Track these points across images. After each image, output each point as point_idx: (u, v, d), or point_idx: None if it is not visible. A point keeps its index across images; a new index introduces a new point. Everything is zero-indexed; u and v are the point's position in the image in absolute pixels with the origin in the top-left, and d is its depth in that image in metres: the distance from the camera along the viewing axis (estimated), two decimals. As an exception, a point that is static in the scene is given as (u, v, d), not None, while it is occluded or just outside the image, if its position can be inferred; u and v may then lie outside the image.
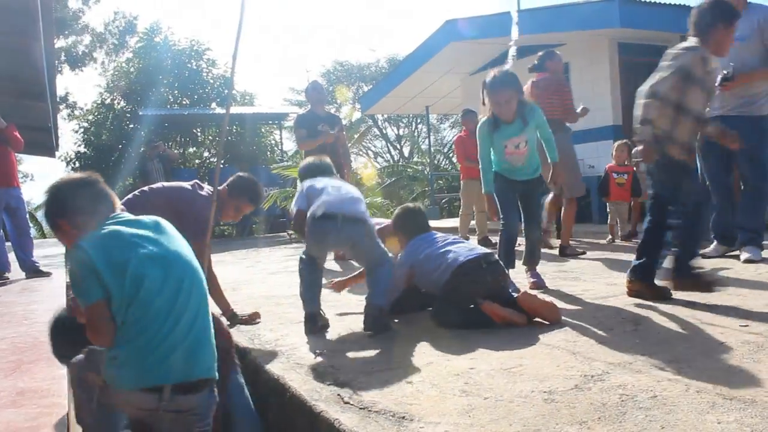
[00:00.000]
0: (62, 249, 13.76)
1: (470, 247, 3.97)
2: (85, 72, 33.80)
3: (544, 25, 10.30)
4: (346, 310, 4.46)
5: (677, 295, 4.04)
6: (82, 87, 79.65)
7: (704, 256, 5.52)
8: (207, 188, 4.36)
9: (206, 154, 19.28)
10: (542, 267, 5.72)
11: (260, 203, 4.26)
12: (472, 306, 3.70)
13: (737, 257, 5.38)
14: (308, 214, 3.91)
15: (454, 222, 13.13)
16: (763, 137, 5.37)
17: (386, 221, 4.64)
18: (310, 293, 3.95)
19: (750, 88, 5.26)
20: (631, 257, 5.67)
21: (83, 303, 2.21)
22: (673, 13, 9.26)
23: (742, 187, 5.52)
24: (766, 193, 5.49)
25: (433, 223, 9.34)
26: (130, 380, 2.19)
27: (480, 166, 4.69)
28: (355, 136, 14.34)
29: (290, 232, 13.00)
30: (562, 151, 5.21)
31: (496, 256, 4.12)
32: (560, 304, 4.06)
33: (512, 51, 8.65)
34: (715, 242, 5.69)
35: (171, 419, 2.27)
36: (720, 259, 5.51)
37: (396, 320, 4.02)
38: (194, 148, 19.62)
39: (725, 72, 5.16)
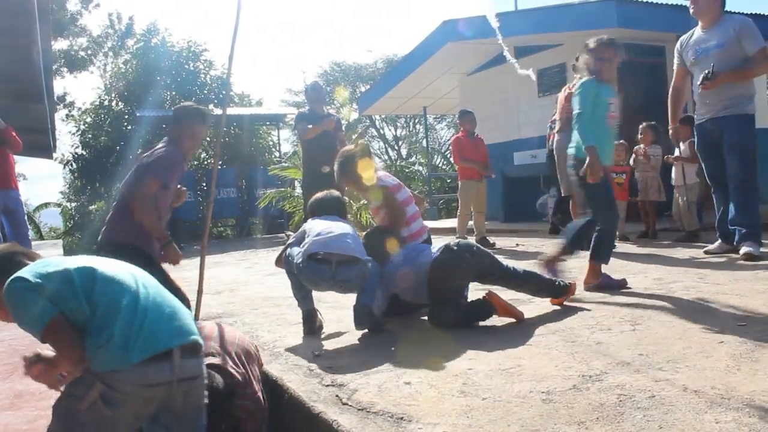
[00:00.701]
0: (60, 250, 13.74)
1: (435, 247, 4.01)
2: (83, 75, 33.83)
3: (541, 26, 10.29)
4: (344, 310, 4.45)
5: (673, 294, 4.05)
6: (81, 89, 79.52)
7: (708, 253, 5.69)
8: None
9: (203, 155, 19.25)
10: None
11: (208, 119, 4.19)
12: (465, 299, 3.75)
13: (738, 253, 5.40)
14: (299, 253, 3.79)
15: (452, 222, 13.14)
16: (750, 134, 5.51)
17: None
18: (302, 292, 3.92)
19: (733, 90, 5.33)
20: (630, 257, 5.70)
21: (39, 329, 2.16)
22: (671, 14, 9.25)
23: (731, 185, 5.53)
24: (755, 187, 5.56)
25: (431, 224, 9.37)
26: (138, 350, 2.14)
27: (582, 123, 4.48)
28: (353, 137, 14.38)
29: (288, 232, 13.01)
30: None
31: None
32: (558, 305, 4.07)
33: (507, 54, 8.66)
34: (719, 241, 5.75)
35: (184, 392, 2.26)
36: (721, 255, 5.54)
37: (386, 327, 4.01)
38: (192, 150, 19.62)
39: (706, 72, 5.26)
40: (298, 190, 12.03)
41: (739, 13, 5.64)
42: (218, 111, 16.32)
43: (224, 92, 16.63)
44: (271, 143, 20.07)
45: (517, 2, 11.74)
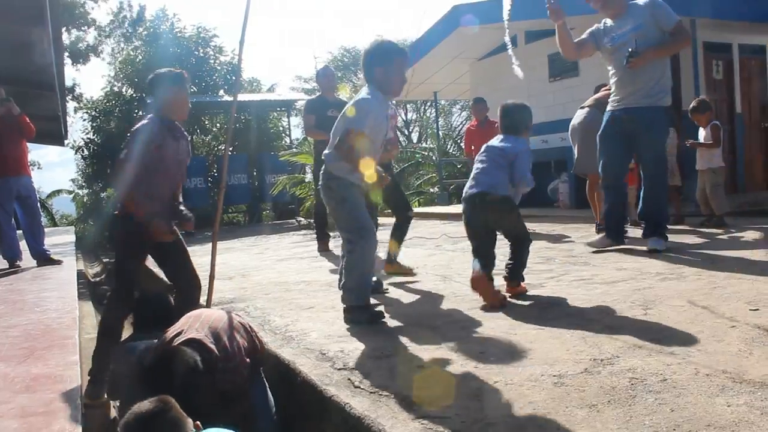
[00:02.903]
0: (72, 237, 13.83)
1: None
2: (88, 66, 33.80)
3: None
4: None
5: (685, 279, 4.04)
6: (88, 79, 79.70)
7: (590, 245, 5.61)
8: None
9: (214, 142, 19.24)
10: (550, 251, 5.74)
11: (180, 78, 4.03)
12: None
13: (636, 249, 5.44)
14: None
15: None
16: (665, 129, 5.55)
17: None
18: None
19: (651, 80, 5.24)
20: (640, 241, 5.67)
21: None
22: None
23: (646, 178, 5.50)
24: (666, 183, 5.63)
25: (442, 209, 9.30)
26: None
27: None
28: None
29: (299, 219, 13.03)
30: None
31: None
32: (570, 288, 4.07)
33: (507, 38, 8.57)
34: (602, 234, 5.66)
35: None
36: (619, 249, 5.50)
37: (384, 313, 4.02)
38: (203, 136, 19.62)
39: (630, 50, 5.18)
40: (309, 176, 12.03)
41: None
42: (228, 97, 16.35)
43: (234, 78, 16.60)
44: (281, 129, 20.07)
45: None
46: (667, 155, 7.26)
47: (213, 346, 2.77)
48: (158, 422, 2.19)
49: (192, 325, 2.89)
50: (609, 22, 5.47)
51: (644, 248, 5.30)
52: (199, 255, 5.90)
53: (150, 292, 4.21)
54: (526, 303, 3.79)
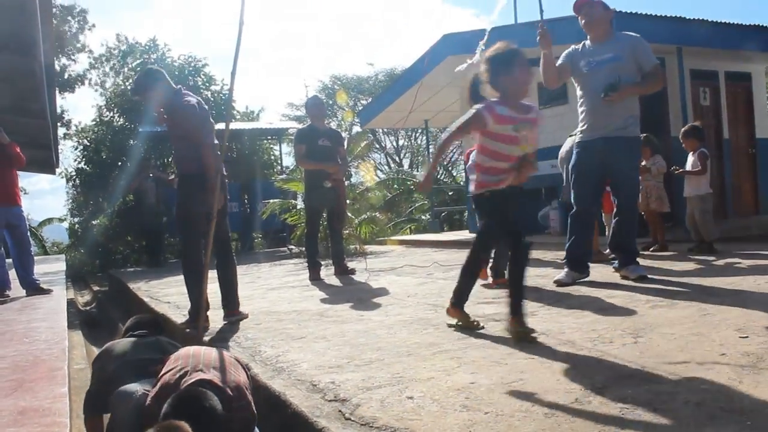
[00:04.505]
0: (63, 265, 13.74)
1: None
2: (76, 93, 33.83)
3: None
4: (346, 324, 4.47)
5: (675, 306, 4.06)
6: (74, 104, 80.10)
7: (558, 284, 5.41)
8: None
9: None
10: (541, 279, 5.75)
11: (153, 76, 5.16)
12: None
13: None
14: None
15: (454, 236, 13.15)
16: (637, 158, 5.64)
17: None
18: None
19: (626, 110, 5.29)
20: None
21: None
22: (670, 26, 9.29)
23: (618, 208, 5.52)
24: (637, 212, 5.77)
25: (433, 237, 9.30)
26: None
27: None
28: (355, 150, 14.30)
29: (291, 247, 13.00)
30: None
31: None
32: (560, 317, 4.08)
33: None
34: (567, 269, 5.54)
35: None
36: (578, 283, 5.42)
37: (389, 341, 4.01)
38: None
39: (612, 82, 5.23)
40: (300, 204, 12.05)
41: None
42: (220, 126, 16.40)
43: (226, 109, 16.64)
44: (273, 157, 20.12)
45: (516, 15, 11.68)
46: (656, 182, 7.33)
47: (225, 386, 2.73)
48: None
49: (195, 365, 2.83)
50: (588, 44, 5.51)
51: (620, 275, 5.45)
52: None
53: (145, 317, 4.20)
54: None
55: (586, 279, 5.51)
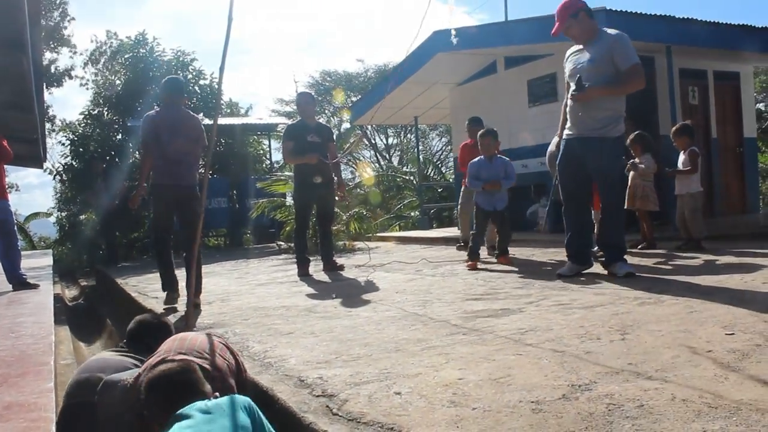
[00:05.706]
0: (50, 260, 13.66)
1: None
2: (63, 88, 33.59)
3: (531, 36, 10.35)
4: (335, 320, 4.46)
5: (662, 303, 4.07)
6: (60, 99, 79.56)
7: (560, 276, 5.59)
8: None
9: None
10: (529, 276, 5.76)
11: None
12: None
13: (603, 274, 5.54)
14: None
15: (444, 232, 13.17)
16: (617, 158, 5.64)
17: None
18: None
19: (602, 111, 5.37)
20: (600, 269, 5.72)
21: None
22: (659, 24, 9.32)
23: (602, 206, 5.67)
24: (623, 208, 5.82)
25: (422, 234, 9.31)
26: None
27: None
28: (345, 146, 14.28)
29: (279, 243, 12.98)
30: None
31: None
32: (548, 314, 4.09)
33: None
34: (569, 262, 5.73)
35: None
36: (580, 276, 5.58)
37: (378, 336, 4.01)
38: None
39: (575, 84, 5.34)
40: (289, 200, 12.02)
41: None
42: (208, 121, 16.35)
43: (214, 101, 16.58)
44: (261, 152, 20.07)
45: (507, 12, 11.72)
46: (643, 181, 7.36)
47: (204, 363, 2.74)
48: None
49: (178, 349, 2.85)
50: (579, 46, 5.61)
51: (606, 273, 5.47)
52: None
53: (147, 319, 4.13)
54: (505, 329, 3.80)
55: (589, 270, 5.66)
